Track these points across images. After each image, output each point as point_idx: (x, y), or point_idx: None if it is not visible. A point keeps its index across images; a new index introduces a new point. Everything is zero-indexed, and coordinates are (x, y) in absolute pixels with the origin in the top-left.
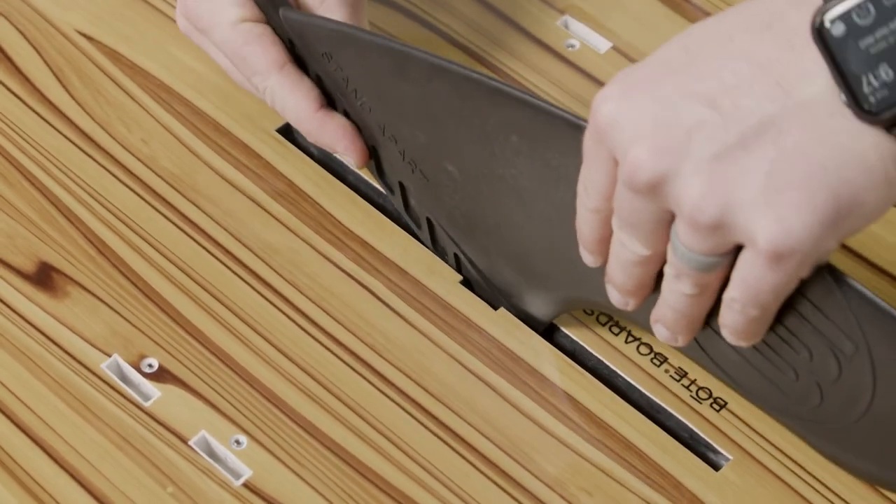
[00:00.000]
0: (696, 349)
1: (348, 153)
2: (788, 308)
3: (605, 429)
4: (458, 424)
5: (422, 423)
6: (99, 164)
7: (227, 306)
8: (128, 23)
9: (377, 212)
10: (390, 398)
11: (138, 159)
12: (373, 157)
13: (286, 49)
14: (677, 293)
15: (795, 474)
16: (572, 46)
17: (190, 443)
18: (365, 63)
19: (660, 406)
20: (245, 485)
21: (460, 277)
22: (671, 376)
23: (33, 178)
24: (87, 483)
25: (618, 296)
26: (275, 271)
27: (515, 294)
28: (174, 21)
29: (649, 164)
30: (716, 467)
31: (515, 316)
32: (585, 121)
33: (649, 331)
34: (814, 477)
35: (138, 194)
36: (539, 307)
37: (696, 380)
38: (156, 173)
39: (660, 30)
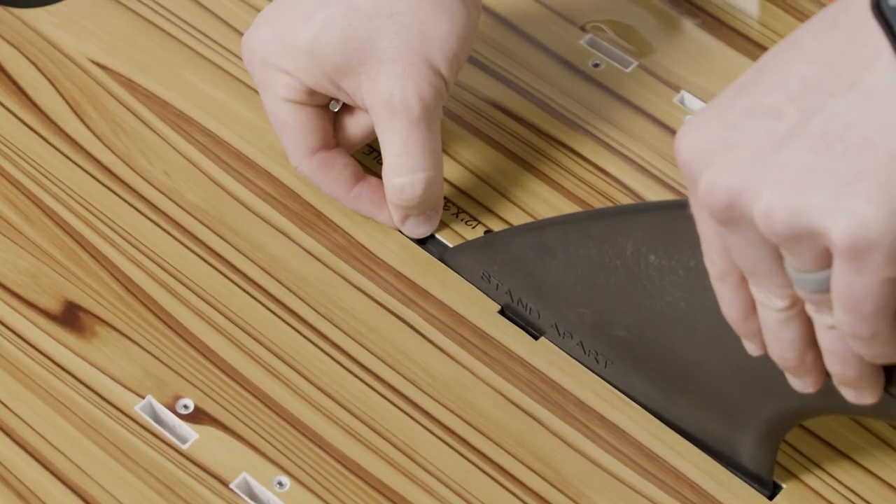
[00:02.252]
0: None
1: (388, 221)
2: None
3: (655, 460)
4: (505, 460)
5: (468, 460)
6: (121, 198)
7: (261, 342)
8: (142, 50)
9: (410, 241)
10: (434, 434)
11: (162, 192)
12: None
13: (324, 133)
14: (825, 332)
15: (849, 500)
16: (598, 65)
17: (231, 486)
18: (511, 262)
19: None
20: None
21: (498, 307)
22: None
23: (55, 215)
24: None
25: (793, 379)
26: (308, 305)
27: (729, 448)
28: (189, 47)
29: (720, 184)
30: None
31: (744, 482)
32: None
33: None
34: (867, 503)
35: (163, 229)
36: (755, 454)
37: None
38: (180, 207)
39: (686, 47)
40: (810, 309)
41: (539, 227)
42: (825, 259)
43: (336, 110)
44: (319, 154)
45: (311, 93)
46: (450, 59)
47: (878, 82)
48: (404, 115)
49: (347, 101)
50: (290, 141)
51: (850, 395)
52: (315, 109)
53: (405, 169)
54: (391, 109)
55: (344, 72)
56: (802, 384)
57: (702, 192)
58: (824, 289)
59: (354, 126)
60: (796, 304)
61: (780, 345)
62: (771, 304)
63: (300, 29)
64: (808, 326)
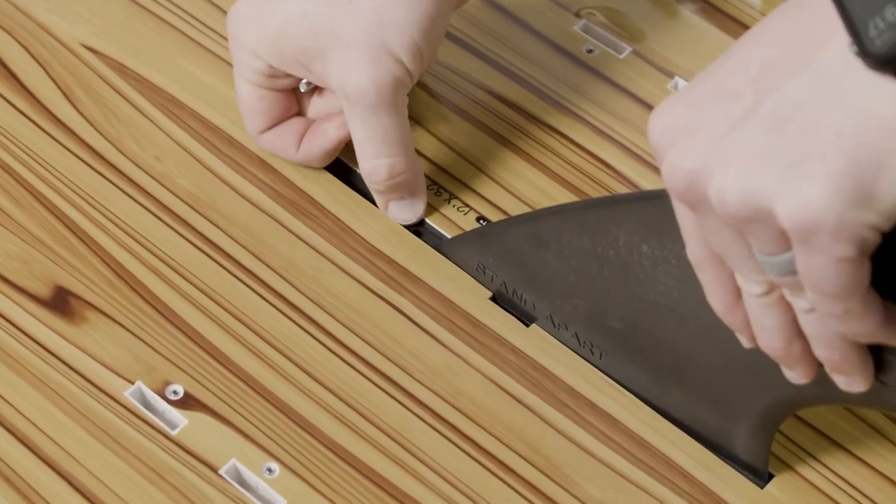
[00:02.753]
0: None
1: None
2: None
3: (647, 448)
4: (496, 447)
5: (458, 447)
6: (112, 183)
7: (251, 329)
8: (135, 35)
9: (401, 227)
10: (425, 421)
11: (153, 178)
12: None
13: (280, 114)
14: (804, 316)
15: (843, 490)
16: (591, 51)
17: (220, 472)
18: (506, 253)
19: None
20: None
21: (489, 293)
22: None
23: (45, 200)
24: None
25: (787, 370)
26: (299, 291)
27: (724, 438)
28: (182, 32)
29: (679, 166)
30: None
31: (736, 471)
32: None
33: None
34: (862, 493)
35: (154, 214)
36: (749, 444)
37: None
38: (171, 192)
39: (680, 33)
40: (787, 293)
41: (533, 219)
42: (786, 240)
43: (304, 90)
44: (272, 130)
45: (275, 76)
46: (410, 46)
47: (830, 62)
48: (360, 102)
49: (318, 83)
50: (246, 118)
51: (841, 382)
52: (275, 94)
53: (367, 154)
54: (347, 97)
55: (311, 56)
56: (795, 375)
57: (664, 175)
58: (791, 270)
59: (325, 106)
60: (774, 289)
61: (766, 333)
62: (750, 290)
63: (274, 9)
64: (792, 313)
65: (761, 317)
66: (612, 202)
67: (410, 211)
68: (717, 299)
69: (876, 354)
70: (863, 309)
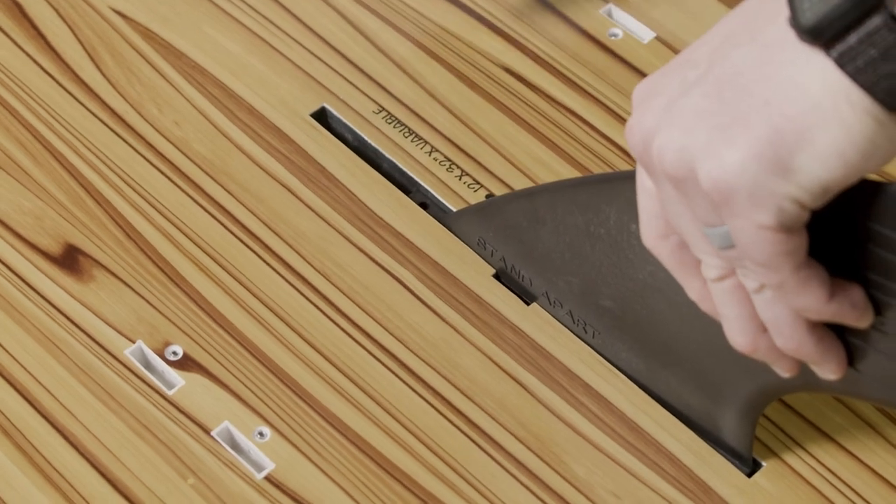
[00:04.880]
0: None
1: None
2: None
3: (637, 431)
4: (486, 422)
5: (450, 420)
6: (130, 145)
7: (255, 295)
8: (163, 2)
9: (411, 201)
10: (418, 393)
11: (170, 142)
12: None
13: None
14: (755, 298)
15: (829, 482)
16: (615, 35)
17: (213, 433)
18: (505, 228)
19: None
20: (267, 478)
21: (493, 270)
22: None
23: (63, 159)
24: (107, 471)
25: (771, 365)
26: (305, 260)
27: (712, 425)
28: (210, 0)
29: (636, 127)
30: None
31: (725, 458)
32: None
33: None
34: (848, 486)
35: (169, 178)
36: (734, 429)
37: None
38: (187, 157)
39: (703, 19)
40: (739, 274)
41: (530, 194)
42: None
43: None
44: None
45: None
46: None
47: (773, 34)
48: None
49: None
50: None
51: (815, 369)
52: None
53: None
54: None
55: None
56: (779, 369)
57: (625, 135)
58: (731, 244)
59: None
60: (730, 274)
61: (731, 325)
62: (708, 275)
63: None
64: (751, 305)
65: (722, 306)
66: (604, 180)
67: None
68: (673, 267)
69: (845, 340)
70: (797, 282)
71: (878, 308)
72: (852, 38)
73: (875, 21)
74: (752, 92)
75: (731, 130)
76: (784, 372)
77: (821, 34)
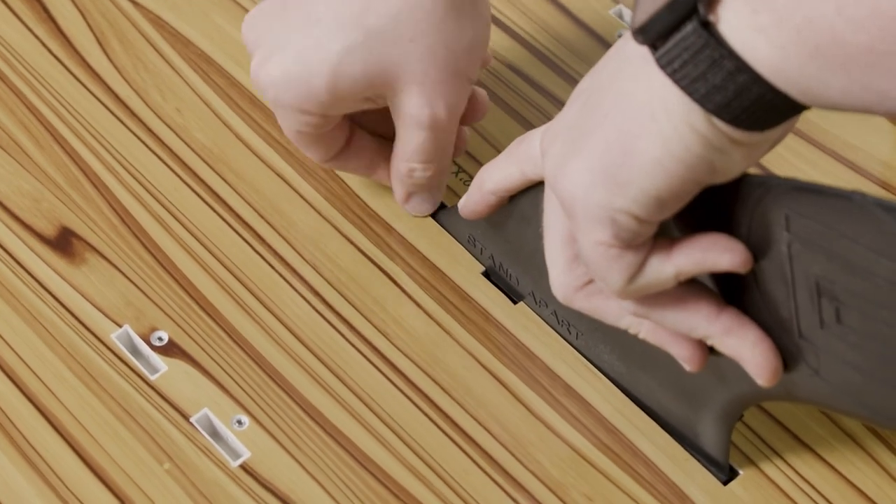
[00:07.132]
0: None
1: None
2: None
3: (614, 434)
4: (464, 419)
5: (427, 416)
6: (130, 131)
7: (242, 282)
8: None
9: None
10: (398, 387)
11: (170, 128)
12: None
13: (339, 141)
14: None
15: (806, 494)
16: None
17: (192, 420)
18: (493, 227)
19: None
20: (242, 466)
21: (482, 268)
22: None
23: (64, 143)
24: (85, 454)
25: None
26: (295, 250)
27: (690, 431)
28: None
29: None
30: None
31: (701, 465)
32: None
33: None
34: (825, 498)
35: (167, 164)
36: (711, 435)
37: None
38: (187, 144)
39: None
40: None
41: (517, 194)
42: None
43: None
44: (336, 158)
45: (327, 120)
46: (477, 62)
47: (634, 48)
48: (435, 128)
49: (371, 107)
50: (307, 153)
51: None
52: (330, 130)
53: (417, 160)
54: (420, 125)
55: (367, 96)
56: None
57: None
58: None
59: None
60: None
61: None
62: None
63: (314, 64)
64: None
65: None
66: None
67: (429, 204)
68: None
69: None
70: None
71: (806, 358)
72: (671, 42)
73: (689, 26)
74: (601, 104)
75: (577, 143)
76: (688, 367)
77: (646, 34)
